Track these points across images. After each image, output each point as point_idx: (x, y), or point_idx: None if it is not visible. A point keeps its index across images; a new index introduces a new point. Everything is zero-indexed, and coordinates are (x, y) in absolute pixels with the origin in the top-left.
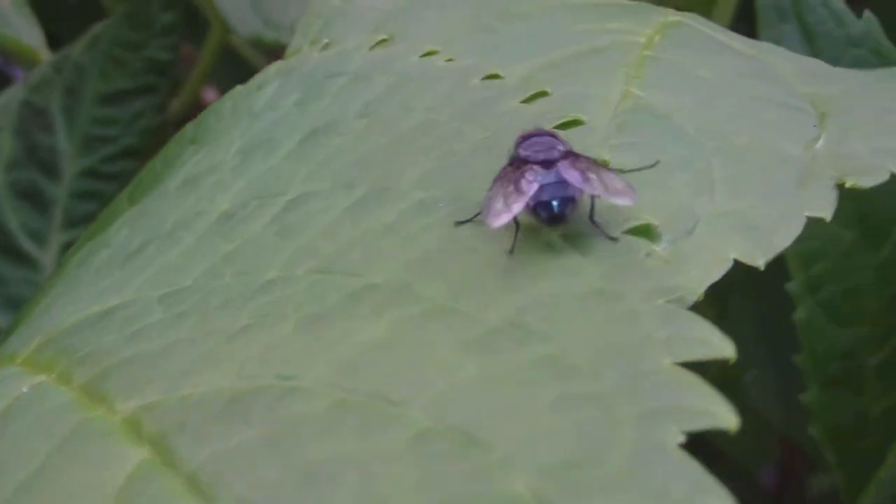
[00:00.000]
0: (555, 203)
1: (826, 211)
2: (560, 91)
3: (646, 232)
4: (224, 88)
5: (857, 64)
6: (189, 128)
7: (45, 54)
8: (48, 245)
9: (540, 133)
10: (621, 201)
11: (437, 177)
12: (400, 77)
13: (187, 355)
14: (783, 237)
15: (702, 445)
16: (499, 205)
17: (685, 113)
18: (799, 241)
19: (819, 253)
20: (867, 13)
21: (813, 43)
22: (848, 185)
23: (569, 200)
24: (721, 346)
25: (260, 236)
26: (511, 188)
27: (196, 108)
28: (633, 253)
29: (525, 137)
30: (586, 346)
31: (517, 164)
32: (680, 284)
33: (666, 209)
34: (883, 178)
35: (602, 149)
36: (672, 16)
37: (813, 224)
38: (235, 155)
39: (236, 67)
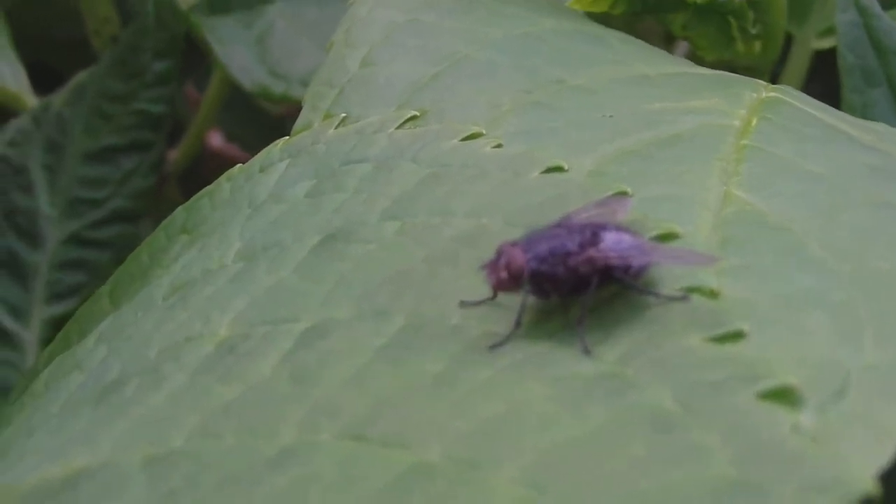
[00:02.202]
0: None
1: None
2: (643, 192)
3: (785, 396)
4: (231, 134)
5: None
6: (179, 214)
7: (29, 100)
8: (30, 321)
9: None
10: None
11: (494, 306)
12: (436, 167)
13: None
14: None
15: None
16: None
17: (805, 225)
18: None
19: None
20: None
21: None
22: None
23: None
24: None
25: (269, 381)
26: None
27: (200, 156)
28: (773, 428)
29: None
30: None
31: None
32: (839, 478)
33: (805, 362)
34: None
35: (706, 273)
36: (767, 91)
37: None
38: (235, 260)
39: (245, 110)
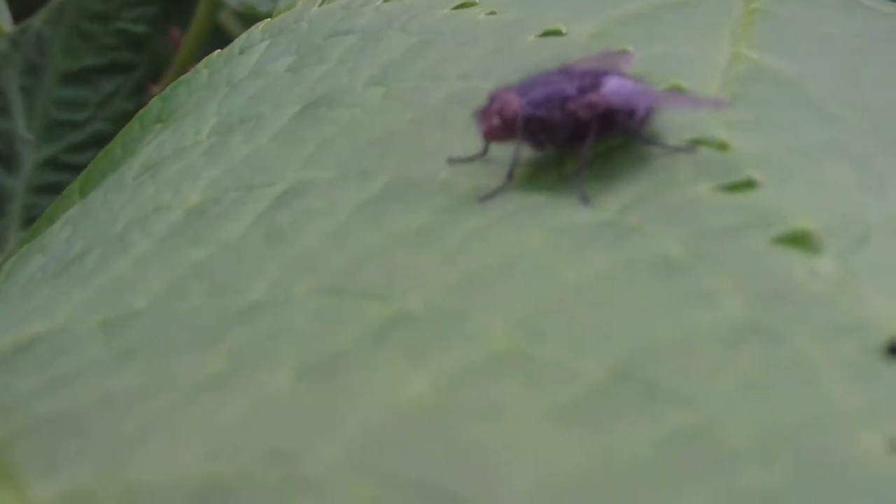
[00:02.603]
0: None
1: None
2: (647, 52)
3: (802, 242)
4: None
5: None
6: (155, 103)
7: (6, 27)
8: (5, 245)
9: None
10: None
11: (486, 162)
12: (426, 35)
13: (135, 416)
14: None
15: None
16: None
17: (822, 81)
18: None
19: None
20: None
21: None
22: None
23: None
24: None
25: (242, 241)
26: None
27: None
28: (789, 272)
29: None
30: (743, 415)
31: None
32: (864, 319)
33: (824, 210)
34: None
35: (715, 125)
36: None
37: None
38: (210, 135)
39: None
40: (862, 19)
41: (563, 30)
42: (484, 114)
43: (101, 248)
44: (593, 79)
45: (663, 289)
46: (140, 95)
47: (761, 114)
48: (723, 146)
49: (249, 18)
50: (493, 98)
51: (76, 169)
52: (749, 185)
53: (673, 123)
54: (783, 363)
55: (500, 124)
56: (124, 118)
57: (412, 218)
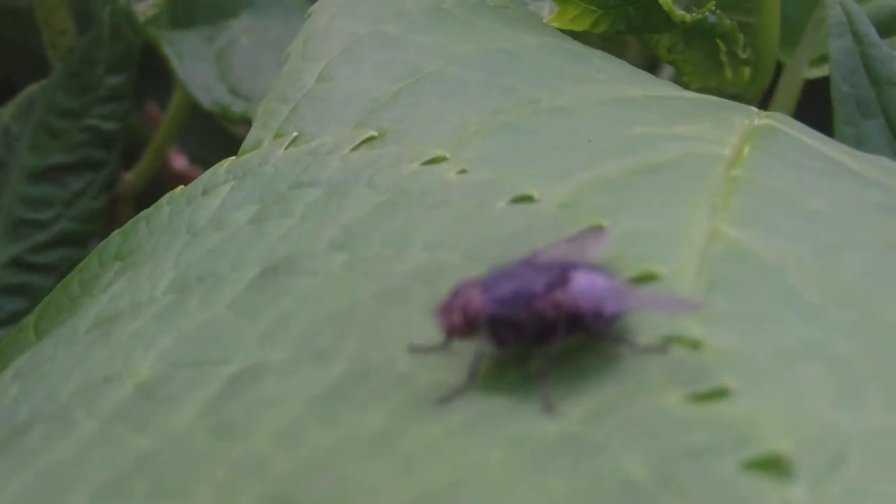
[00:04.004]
0: None
1: None
2: (619, 227)
3: (774, 466)
4: (195, 156)
5: None
6: (115, 238)
7: None
8: None
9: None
10: None
11: (448, 354)
12: (392, 194)
13: None
14: None
15: None
16: None
17: (803, 267)
18: None
19: None
20: None
21: None
22: None
23: None
24: None
25: (189, 432)
26: None
27: (162, 179)
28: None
29: None
30: None
31: None
32: None
33: (798, 425)
34: None
35: (689, 320)
36: (760, 118)
37: None
38: (166, 291)
39: (210, 132)
40: (848, 189)
41: (535, 196)
42: (445, 310)
43: (46, 423)
44: (561, 274)
45: None
46: (111, 190)
47: (738, 307)
48: (696, 345)
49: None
50: (455, 293)
51: (42, 269)
52: (721, 394)
53: (647, 316)
54: None
55: (462, 322)
56: (93, 217)
57: (367, 419)
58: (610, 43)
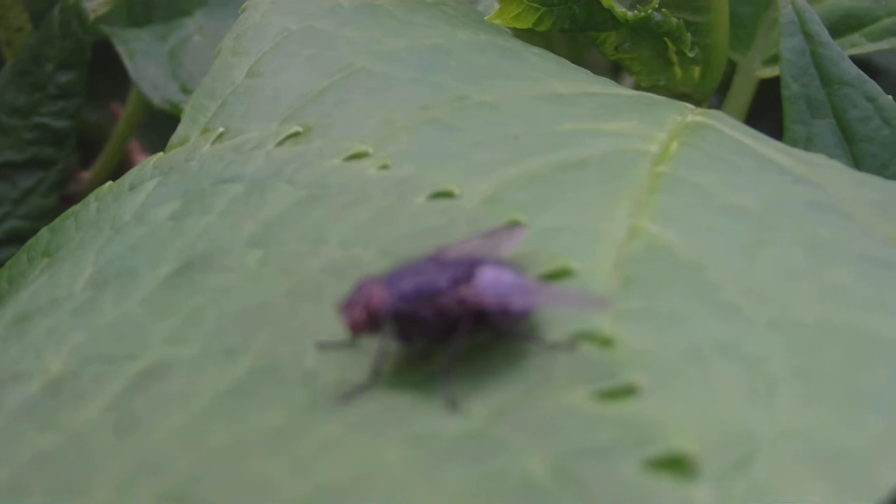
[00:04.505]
0: None
1: None
2: (538, 223)
3: (677, 466)
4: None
5: None
6: (44, 235)
7: None
8: None
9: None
10: None
11: (355, 350)
12: (313, 189)
13: None
14: (890, 469)
15: None
16: None
17: (722, 264)
18: None
19: None
20: None
21: (854, 145)
22: None
23: None
24: None
25: (92, 429)
26: None
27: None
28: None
29: None
30: None
31: None
32: None
33: (707, 424)
34: None
35: (601, 317)
36: (695, 115)
37: None
38: (85, 287)
39: (173, 130)
40: (777, 186)
41: (455, 191)
42: (349, 306)
43: None
44: (467, 270)
45: None
46: (62, 189)
47: (653, 304)
48: (606, 342)
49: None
50: (358, 289)
51: None
52: (628, 392)
53: (557, 313)
54: None
55: (364, 318)
56: (43, 215)
57: (268, 416)
58: (574, 44)
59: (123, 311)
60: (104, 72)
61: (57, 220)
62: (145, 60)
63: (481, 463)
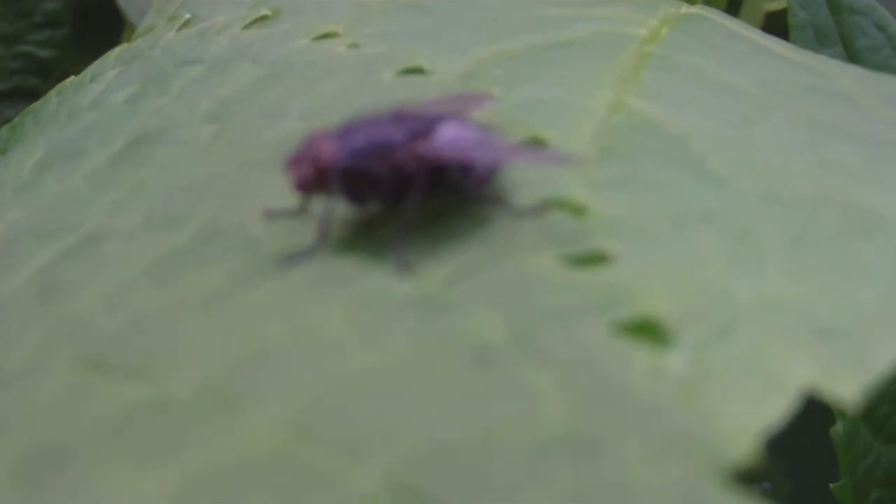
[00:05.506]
0: None
1: None
2: (516, 96)
3: (650, 331)
4: None
5: None
6: (3, 133)
7: None
8: None
9: None
10: None
11: (307, 217)
12: (276, 67)
13: None
14: (883, 346)
15: None
16: None
17: (709, 137)
18: None
19: None
20: None
21: None
22: None
23: None
24: None
25: (15, 295)
26: None
27: None
28: (625, 371)
29: None
30: None
31: None
32: (707, 435)
33: (685, 291)
34: None
35: (575, 184)
36: (689, 8)
37: None
38: (32, 170)
39: None
40: (774, 70)
41: (427, 67)
42: (295, 162)
43: None
44: (426, 125)
45: (472, 381)
46: None
47: (631, 172)
48: (579, 210)
49: None
50: (306, 144)
51: None
52: (599, 258)
53: (527, 179)
54: (601, 482)
55: (312, 175)
56: None
57: (204, 280)
58: None
59: (65, 188)
60: (98, 28)
61: (17, 118)
62: None
63: (431, 325)
